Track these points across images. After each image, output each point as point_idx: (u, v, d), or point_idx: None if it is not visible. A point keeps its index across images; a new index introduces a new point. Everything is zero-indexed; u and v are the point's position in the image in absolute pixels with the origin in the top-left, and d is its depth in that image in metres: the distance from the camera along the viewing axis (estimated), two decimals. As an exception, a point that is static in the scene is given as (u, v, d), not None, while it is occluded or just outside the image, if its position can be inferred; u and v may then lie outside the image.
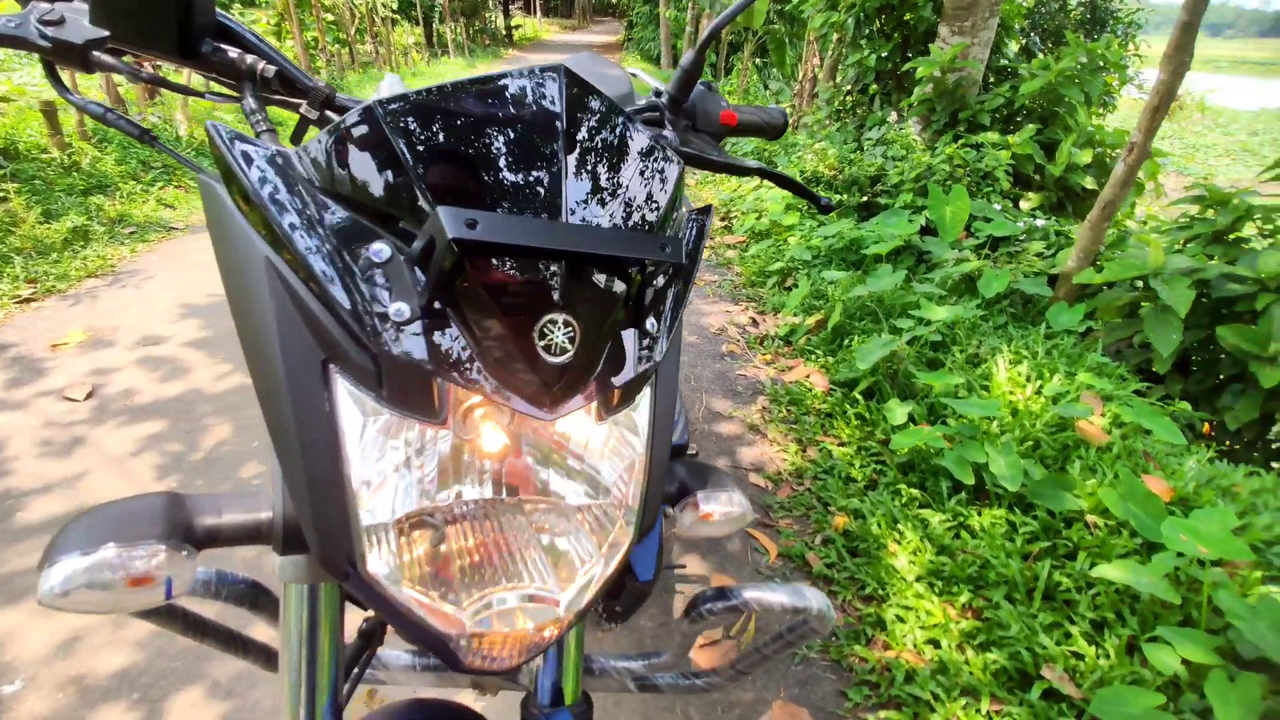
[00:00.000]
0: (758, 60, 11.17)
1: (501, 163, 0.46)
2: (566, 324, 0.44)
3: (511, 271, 0.43)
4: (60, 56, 0.56)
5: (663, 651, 0.92)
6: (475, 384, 0.44)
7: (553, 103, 0.48)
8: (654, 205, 0.51)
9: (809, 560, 1.78)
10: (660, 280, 0.52)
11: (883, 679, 1.45)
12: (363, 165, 0.46)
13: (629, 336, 0.50)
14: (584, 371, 0.46)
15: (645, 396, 0.53)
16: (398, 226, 0.45)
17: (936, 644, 1.52)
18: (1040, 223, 3.49)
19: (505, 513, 0.52)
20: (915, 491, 1.93)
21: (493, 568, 0.51)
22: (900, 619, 1.57)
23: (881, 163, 4.12)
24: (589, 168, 0.48)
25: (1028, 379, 2.32)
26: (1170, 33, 2.43)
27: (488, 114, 0.47)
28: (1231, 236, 2.91)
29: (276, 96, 0.62)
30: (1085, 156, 4.05)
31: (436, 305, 0.44)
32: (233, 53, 0.58)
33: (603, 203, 0.48)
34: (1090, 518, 1.76)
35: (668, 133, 0.79)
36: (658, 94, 0.83)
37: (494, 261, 0.43)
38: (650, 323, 0.51)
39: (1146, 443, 2.08)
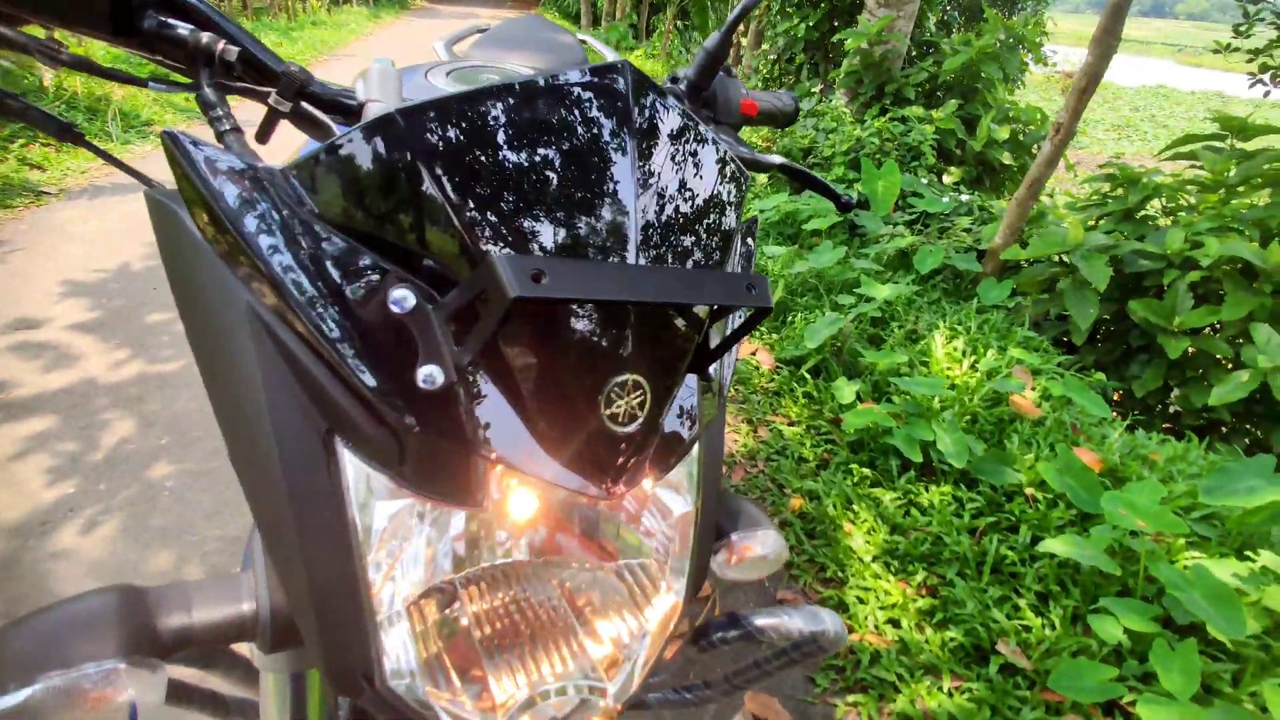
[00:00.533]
0: (680, 23, 10.99)
1: (558, 190, 0.37)
2: (636, 386, 0.37)
3: (572, 326, 0.35)
4: None
5: (658, 673, 0.88)
6: (524, 465, 0.36)
7: (618, 111, 0.39)
8: (725, 232, 0.43)
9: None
10: (731, 322, 0.46)
11: (848, 662, 1.47)
12: (377, 189, 0.36)
13: (692, 388, 0.43)
14: (650, 437, 0.39)
15: (695, 452, 0.46)
16: (420, 264, 0.36)
17: (896, 624, 1.54)
18: (965, 198, 3.59)
19: (530, 577, 0.45)
20: (866, 470, 1.96)
21: (523, 646, 0.44)
22: (860, 600, 1.59)
23: (814, 134, 4.13)
24: (661, 193, 0.40)
25: (963, 354, 2.38)
26: (1082, 10, 2.50)
27: (538, 126, 0.37)
28: (1140, 214, 3.09)
29: (238, 84, 0.50)
30: (1003, 132, 4.19)
31: (478, 371, 0.36)
32: (182, 29, 0.45)
33: (676, 236, 0.40)
34: (1029, 491, 1.83)
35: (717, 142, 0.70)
36: (674, 80, 0.72)
37: (550, 315, 0.35)
38: (713, 369, 0.44)
39: (1073, 414, 2.19)
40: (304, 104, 0.50)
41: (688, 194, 0.41)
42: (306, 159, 0.38)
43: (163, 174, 0.52)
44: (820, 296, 2.79)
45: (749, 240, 0.52)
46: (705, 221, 0.42)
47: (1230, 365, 2.60)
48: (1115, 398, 2.86)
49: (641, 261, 0.37)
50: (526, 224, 0.35)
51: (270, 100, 0.49)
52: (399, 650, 0.39)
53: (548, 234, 0.36)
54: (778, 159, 0.74)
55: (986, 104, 4.42)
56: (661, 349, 0.38)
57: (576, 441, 0.36)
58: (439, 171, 0.35)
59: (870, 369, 2.31)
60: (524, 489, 0.41)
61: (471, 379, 0.36)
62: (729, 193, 0.44)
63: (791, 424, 2.23)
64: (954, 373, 2.28)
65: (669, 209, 0.40)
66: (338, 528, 0.36)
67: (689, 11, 9.99)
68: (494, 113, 0.37)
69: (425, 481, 0.36)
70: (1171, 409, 2.89)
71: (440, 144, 0.35)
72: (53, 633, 0.37)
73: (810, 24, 5.19)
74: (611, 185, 0.38)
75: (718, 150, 0.44)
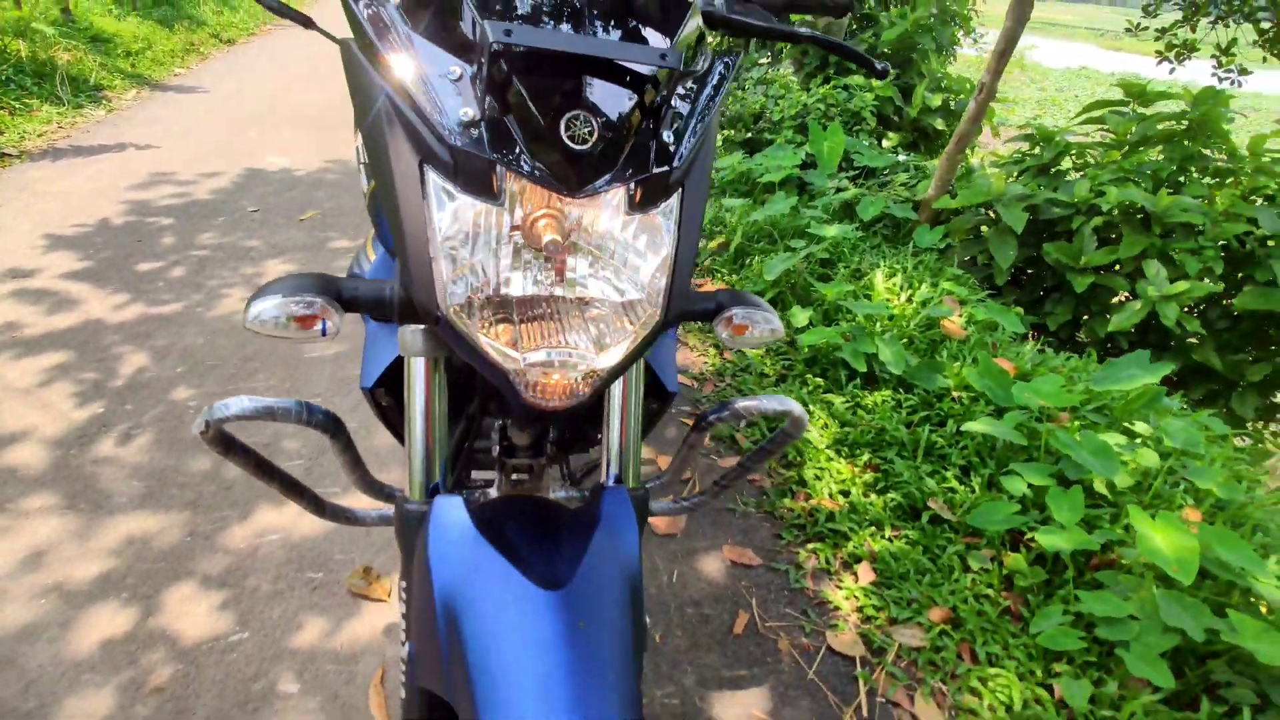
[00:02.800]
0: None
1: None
2: (585, 120, 0.56)
3: (545, 80, 0.57)
4: None
5: (662, 473, 1.11)
6: (518, 167, 0.57)
7: None
8: (667, 34, 0.64)
9: (738, 440, 2.05)
10: (678, 102, 0.66)
11: (808, 521, 1.75)
12: (441, 8, 0.60)
13: (647, 144, 0.63)
14: (607, 163, 0.58)
15: (672, 204, 0.64)
16: (468, 56, 0.60)
17: (846, 493, 1.84)
18: (902, 158, 3.92)
19: (566, 312, 0.67)
20: (819, 380, 2.25)
21: (548, 338, 0.66)
22: (817, 477, 1.88)
23: (764, 101, 4.39)
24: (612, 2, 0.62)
25: (901, 288, 2.70)
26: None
27: None
28: (1054, 170, 3.46)
29: None
30: (936, 100, 4.54)
31: (497, 111, 0.58)
32: None
33: (622, 29, 0.62)
34: (956, 393, 2.15)
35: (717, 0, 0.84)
36: None
37: (533, 75, 0.57)
38: (667, 134, 0.64)
39: (994, 336, 2.52)
40: None
41: (642, 7, 0.64)
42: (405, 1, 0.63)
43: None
44: (775, 241, 3.07)
45: (726, 64, 0.72)
46: (647, 23, 0.64)
47: (1127, 297, 2.99)
48: (1031, 335, 3.23)
49: (596, 36, 0.59)
50: (518, 15, 0.60)
51: None
52: (465, 311, 0.62)
53: (532, 19, 0.60)
54: (806, 32, 0.87)
55: (921, 74, 4.76)
56: (608, 97, 0.58)
57: (551, 154, 0.56)
58: None
59: (821, 299, 2.60)
60: (541, 216, 0.61)
61: (492, 117, 0.57)
62: (672, 9, 0.66)
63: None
64: (893, 303, 2.59)
65: (615, 9, 0.62)
66: (425, 217, 0.59)
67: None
68: None
69: (468, 187, 0.58)
70: (1080, 339, 3.29)
71: None
72: (293, 281, 0.62)
73: (758, -3, 5.44)
74: None
75: None
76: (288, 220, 3.26)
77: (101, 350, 2.18)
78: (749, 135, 4.41)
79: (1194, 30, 4.96)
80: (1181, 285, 2.72)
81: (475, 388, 0.98)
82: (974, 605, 1.52)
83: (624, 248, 0.65)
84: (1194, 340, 2.93)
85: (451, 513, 0.69)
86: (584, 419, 1.13)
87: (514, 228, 0.62)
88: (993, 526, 1.61)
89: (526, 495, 0.86)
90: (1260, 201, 3.08)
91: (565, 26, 0.60)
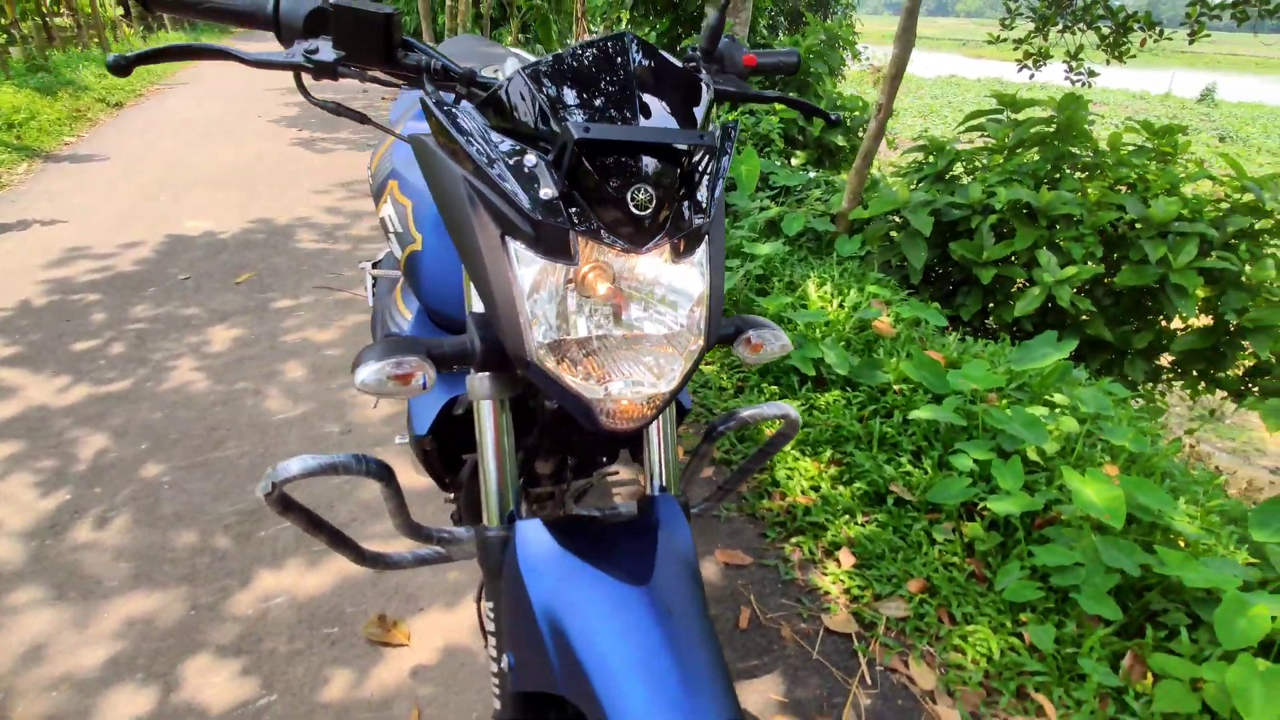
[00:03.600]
0: (523, 35, 11.33)
1: (597, 95, 0.73)
2: (647, 190, 0.68)
3: (612, 161, 0.69)
4: (322, 73, 0.77)
5: (686, 465, 1.22)
6: (593, 232, 0.68)
7: (624, 54, 0.76)
8: (693, 114, 0.77)
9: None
10: (702, 165, 0.79)
11: (787, 518, 1.90)
12: (515, 109, 0.72)
13: (686, 204, 0.76)
14: (660, 224, 0.70)
15: (703, 251, 0.78)
16: (540, 146, 0.72)
17: (817, 488, 2.00)
18: (813, 174, 4.21)
19: (619, 346, 0.78)
20: (774, 388, 2.42)
21: (609, 370, 0.77)
22: (789, 477, 2.03)
23: (679, 130, 4.62)
24: (651, 92, 0.75)
25: (832, 295, 2.92)
26: (881, 13, 3.12)
27: (584, 66, 0.74)
28: (949, 175, 3.81)
29: (442, 81, 0.82)
30: (836, 118, 4.90)
31: (569, 190, 0.70)
32: (414, 56, 0.79)
33: (660, 114, 0.74)
34: (897, 386, 2.36)
35: (702, 74, 1.04)
36: (694, 50, 1.08)
37: (601, 157, 0.69)
38: (700, 195, 0.77)
39: (920, 331, 2.77)
40: (473, 89, 0.83)
41: (667, 94, 0.76)
42: (482, 100, 0.74)
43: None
44: (711, 263, 3.26)
45: (727, 132, 0.86)
46: (680, 108, 0.76)
47: (1026, 284, 3.33)
48: (946, 323, 3.54)
49: (644, 124, 0.72)
50: (584, 111, 0.71)
51: (456, 89, 0.83)
52: (548, 355, 0.72)
53: (593, 117, 0.71)
54: (773, 93, 1.08)
55: (818, 95, 5.13)
56: (660, 172, 0.69)
57: (619, 220, 0.67)
58: (540, 96, 0.70)
59: (764, 312, 2.79)
60: (602, 272, 0.72)
61: (568, 195, 0.67)
62: (694, 94, 0.79)
63: (709, 363, 2.66)
64: (828, 310, 2.80)
65: (658, 100, 0.75)
66: (510, 279, 0.69)
67: (531, 25, 10.36)
68: (562, 63, 0.73)
69: (548, 252, 0.68)
70: (990, 326, 3.62)
71: (540, 83, 0.71)
72: (389, 345, 0.72)
73: (660, 30, 5.72)
74: (626, 90, 0.73)
75: (685, 72, 0.80)
76: (223, 284, 3.21)
77: (54, 436, 2.11)
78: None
79: (1046, 39, 5.56)
80: (1071, 270, 3.06)
81: (534, 424, 1.07)
82: (944, 574, 1.70)
83: (669, 290, 0.77)
84: (1086, 317, 3.29)
85: (535, 533, 0.78)
86: (602, 448, 1.24)
87: (569, 281, 0.73)
88: (949, 501, 1.80)
89: (583, 515, 0.95)
90: (1124, 190, 3.50)
91: (618, 112, 0.72)
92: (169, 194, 4.49)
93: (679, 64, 0.82)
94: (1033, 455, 1.98)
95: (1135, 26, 4.90)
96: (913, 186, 3.80)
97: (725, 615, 1.61)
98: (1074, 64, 5.56)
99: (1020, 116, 3.82)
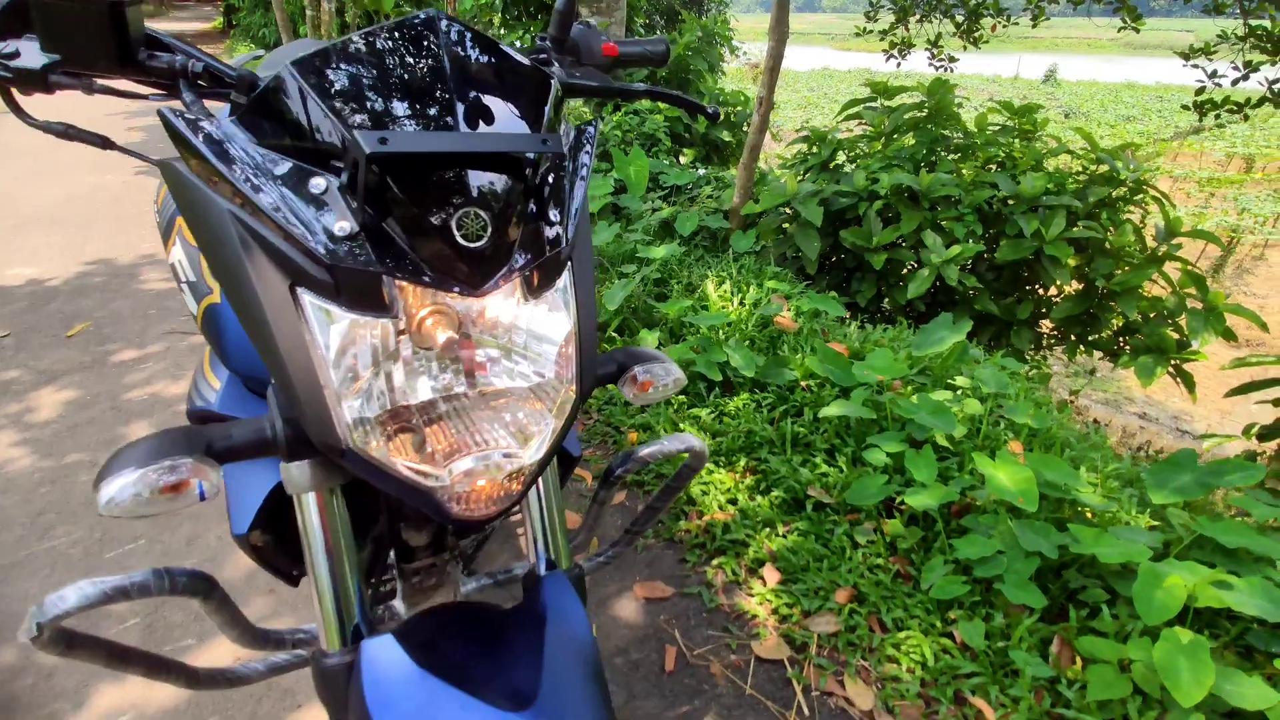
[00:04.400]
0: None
1: (400, 95, 0.56)
2: (477, 215, 0.53)
3: (428, 180, 0.54)
4: (25, 84, 0.58)
5: (573, 534, 1.07)
6: (412, 275, 0.53)
7: (436, 40, 0.59)
8: (535, 116, 0.61)
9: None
10: (553, 178, 0.63)
11: (706, 539, 1.79)
12: (289, 118, 0.55)
13: (536, 227, 0.60)
14: (502, 255, 0.56)
15: (565, 280, 0.62)
16: (330, 164, 0.55)
17: (734, 501, 1.90)
18: (702, 171, 4.17)
19: (474, 406, 0.62)
20: (681, 397, 2.31)
21: (462, 438, 0.61)
22: (704, 492, 1.93)
23: (562, 134, 4.47)
24: (475, 89, 0.59)
25: (731, 294, 2.86)
26: (753, 10, 3.10)
27: (382, 57, 0.57)
28: (833, 165, 3.85)
29: (208, 89, 0.63)
30: (719, 114, 4.89)
31: (373, 219, 0.54)
32: (164, 57, 0.60)
33: (490, 116, 0.59)
34: (804, 382, 2.31)
35: (555, 69, 0.84)
36: (542, 38, 0.90)
37: (411, 174, 0.53)
38: (553, 213, 0.61)
39: (821, 323, 2.75)
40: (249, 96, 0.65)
41: (497, 90, 0.60)
42: (243, 110, 0.58)
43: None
44: (607, 270, 3.12)
45: (585, 134, 0.70)
46: (514, 108, 0.61)
47: (915, 266, 3.39)
48: (846, 313, 3.57)
49: (465, 129, 0.56)
50: (382, 121, 0.54)
51: (231, 97, 0.64)
52: (374, 436, 0.56)
53: (396, 124, 0.55)
54: (640, 86, 0.91)
55: (700, 92, 5.10)
56: (493, 190, 0.55)
57: (445, 256, 0.53)
58: (318, 98, 0.54)
59: (664, 318, 2.69)
60: (438, 318, 0.57)
61: (373, 227, 0.53)
62: (535, 89, 0.63)
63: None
64: (728, 309, 2.73)
65: (482, 99, 0.59)
66: (309, 344, 0.53)
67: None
68: (350, 51, 0.57)
69: (355, 304, 0.53)
70: (886, 310, 3.67)
71: (319, 81, 0.55)
72: (150, 444, 0.53)
73: (533, 33, 5.55)
74: (438, 88, 0.57)
75: (520, 61, 0.64)
76: (53, 339, 2.79)
77: None
78: (555, 169, 4.46)
79: (908, 29, 5.77)
80: (955, 250, 3.13)
81: (379, 507, 0.89)
82: (871, 578, 1.64)
83: (528, 335, 0.62)
84: (973, 293, 3.38)
85: (384, 654, 0.62)
86: None
87: (400, 332, 0.57)
88: (868, 501, 1.74)
89: (454, 606, 0.79)
90: (995, 169, 3.64)
91: (428, 115, 0.56)
92: (-15, 239, 3.92)
93: (513, 53, 0.66)
94: (942, 441, 1.96)
95: (985, 13, 5.15)
96: (800, 178, 3.82)
97: (649, 659, 1.48)
98: (935, 51, 5.81)
99: (893, 103, 3.91)
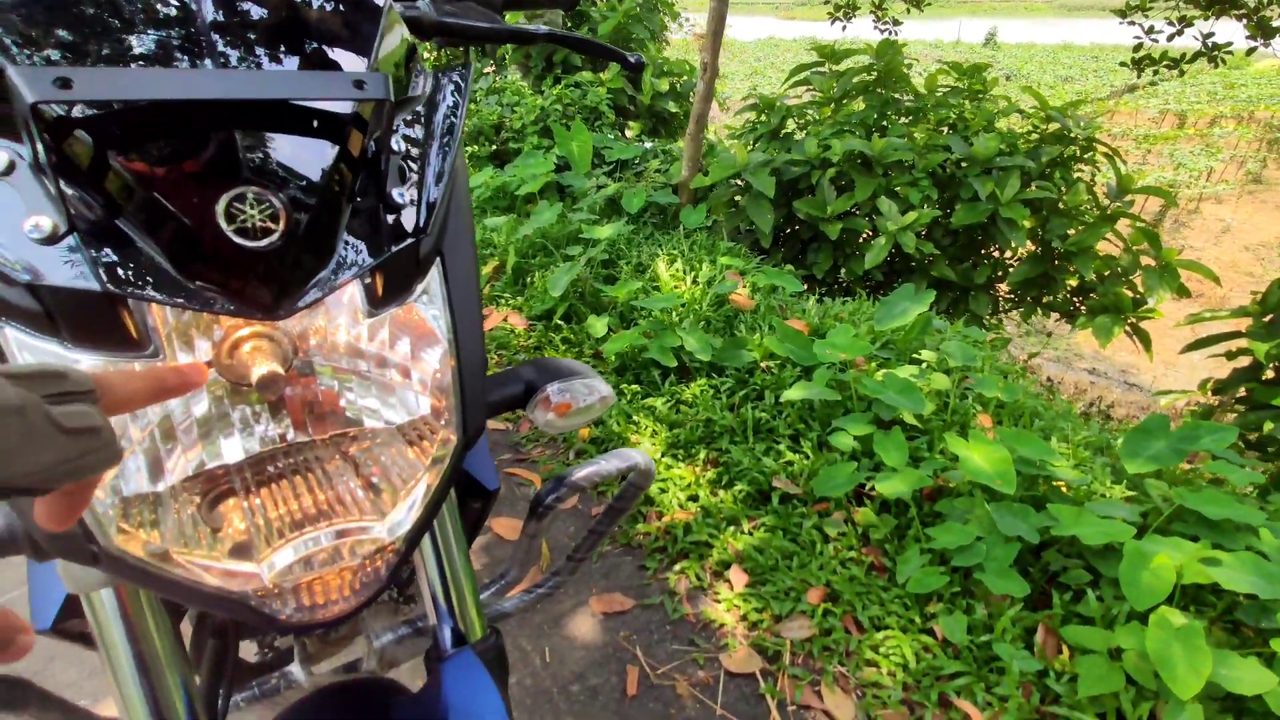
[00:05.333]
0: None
1: (118, 17, 0.37)
2: (260, 199, 0.36)
3: (175, 145, 0.36)
4: None
5: (508, 569, 0.91)
6: (170, 293, 0.36)
7: None
8: (358, 54, 0.43)
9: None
10: (404, 144, 0.47)
11: (667, 541, 1.66)
12: None
13: (374, 213, 0.43)
14: (312, 256, 0.39)
15: (431, 283, 0.46)
16: (10, 131, 0.37)
17: (695, 498, 1.77)
18: (648, 145, 3.99)
19: (315, 454, 0.46)
20: (635, 386, 2.17)
21: (302, 514, 0.45)
22: (663, 490, 1.79)
23: (500, 110, 4.24)
24: (248, 16, 0.41)
25: (684, 273, 2.71)
26: (707, -31, 2.94)
27: None
28: (783, 133, 3.71)
29: None
30: (664, 84, 4.70)
31: (100, 212, 0.36)
32: None
33: (277, 54, 0.41)
34: (764, 364, 2.19)
35: (421, 3, 0.64)
36: None
37: (150, 140, 0.36)
38: (400, 193, 0.44)
39: (779, 299, 2.62)
40: None
41: (284, 18, 0.43)
42: None
43: None
44: (551, 253, 2.95)
45: (457, 84, 0.53)
46: (316, 39, 0.43)
47: (870, 235, 3.29)
48: (803, 287, 3.46)
49: (218, 68, 0.38)
50: (81, 49, 0.36)
51: None
52: (165, 520, 0.40)
53: (106, 56, 0.36)
54: (544, 29, 0.74)
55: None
56: (288, 160, 0.38)
57: (215, 262, 0.36)
58: None
59: (613, 302, 2.53)
60: (246, 347, 0.41)
61: (91, 222, 0.35)
62: (357, 17, 0.45)
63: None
64: (681, 289, 2.59)
65: (257, 23, 0.41)
66: None
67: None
68: None
69: (85, 339, 0.36)
70: (844, 281, 3.58)
71: None
72: None
73: (465, 7, 5.26)
74: (184, 10, 0.39)
75: None
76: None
77: None
78: (495, 148, 4.23)
79: (853, -8, 5.65)
80: (911, 216, 3.03)
81: None
82: (844, 573, 1.53)
83: (377, 360, 0.45)
84: (930, 260, 3.30)
85: None
86: None
87: (208, 364, 0.41)
88: (837, 490, 1.63)
89: (348, 684, 0.64)
90: (947, 131, 3.55)
91: (182, 59, 0.38)
92: None
93: None
94: (910, 420, 1.86)
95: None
96: (750, 147, 3.67)
97: (609, 684, 1.34)
98: (880, 13, 5.70)
99: (841, 68, 3.79)
